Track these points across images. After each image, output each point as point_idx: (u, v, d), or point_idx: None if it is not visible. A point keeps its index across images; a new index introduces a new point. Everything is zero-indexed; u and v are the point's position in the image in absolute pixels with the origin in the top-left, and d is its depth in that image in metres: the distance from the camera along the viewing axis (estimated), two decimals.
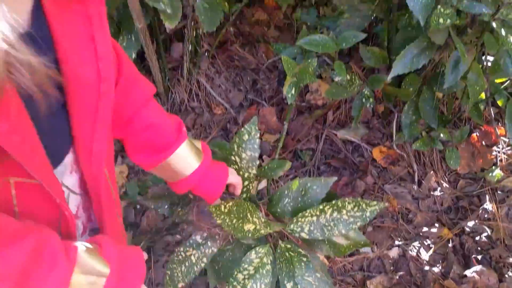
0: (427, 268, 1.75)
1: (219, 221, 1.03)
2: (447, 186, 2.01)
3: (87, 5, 0.63)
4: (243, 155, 1.18)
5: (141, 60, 2.07)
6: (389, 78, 1.47)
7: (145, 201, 1.31)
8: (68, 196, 0.76)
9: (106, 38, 0.66)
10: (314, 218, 1.14)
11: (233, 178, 1.10)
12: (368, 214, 1.12)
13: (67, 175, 0.74)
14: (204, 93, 2.19)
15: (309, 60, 1.52)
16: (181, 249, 1.21)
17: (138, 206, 1.89)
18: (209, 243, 1.20)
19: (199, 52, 2.13)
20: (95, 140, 0.68)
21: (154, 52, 1.95)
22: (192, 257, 1.20)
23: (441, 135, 1.79)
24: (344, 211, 1.14)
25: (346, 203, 1.14)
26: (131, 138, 0.91)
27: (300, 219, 1.15)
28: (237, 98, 2.20)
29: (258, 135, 1.17)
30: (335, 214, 1.13)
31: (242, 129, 1.19)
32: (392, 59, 1.89)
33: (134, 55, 1.83)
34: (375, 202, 1.14)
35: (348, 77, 1.76)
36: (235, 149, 1.19)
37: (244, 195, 1.20)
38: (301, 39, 1.59)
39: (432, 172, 2.01)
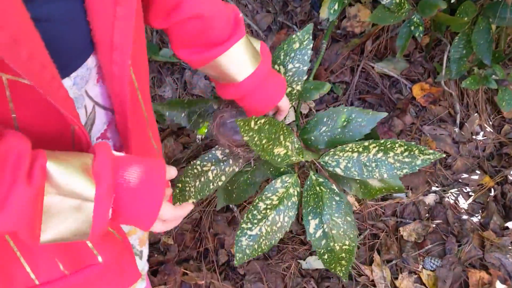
0: (465, 217, 1.62)
1: (246, 138, 0.88)
2: (491, 130, 1.84)
3: None
4: (290, 66, 1.00)
5: None
6: None
7: (160, 108, 1.14)
8: (93, 109, 0.61)
9: None
10: (355, 155, 0.98)
11: (284, 100, 0.91)
12: (419, 162, 0.96)
13: (92, 83, 0.58)
14: None
15: None
16: (198, 162, 1.06)
17: None
18: (230, 161, 1.05)
19: None
20: (116, 30, 0.51)
21: None
22: (210, 173, 1.05)
23: (496, 73, 1.60)
24: (391, 154, 0.98)
25: (397, 144, 0.98)
26: (176, 29, 0.73)
27: (338, 152, 1.00)
28: (265, 21, 1.98)
29: (311, 45, 0.99)
30: (380, 154, 0.98)
31: (294, 35, 1.01)
32: None
33: None
34: (431, 151, 0.98)
35: (397, 0, 1.54)
36: (281, 57, 1.00)
37: None
38: None
39: (476, 114, 1.83)
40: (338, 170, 1.00)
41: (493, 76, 1.62)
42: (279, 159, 0.95)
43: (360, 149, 0.99)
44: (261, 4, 2.02)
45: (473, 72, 1.66)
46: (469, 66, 1.76)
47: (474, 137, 1.82)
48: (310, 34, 1.00)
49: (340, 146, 1.00)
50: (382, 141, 0.98)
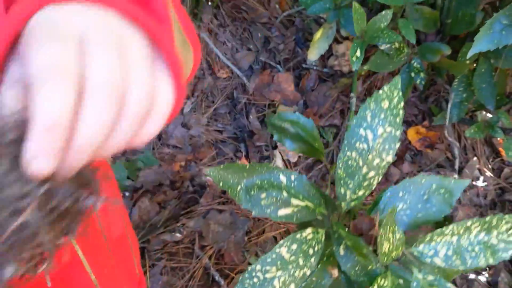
0: (472, 276, 1.49)
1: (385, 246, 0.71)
2: (491, 175, 1.72)
3: None
4: (380, 131, 0.78)
5: None
6: (469, 55, 1.12)
7: (213, 174, 0.83)
8: None
9: None
10: (455, 239, 0.78)
11: None
12: None
13: None
14: (206, 51, 1.80)
15: (383, 12, 1.16)
16: (258, 267, 0.77)
17: (127, 193, 1.54)
18: (300, 261, 0.78)
19: (202, 0, 1.72)
20: None
21: None
22: (276, 282, 0.77)
23: (502, 120, 1.48)
24: (495, 233, 0.78)
25: (503, 221, 0.78)
26: None
27: (436, 237, 0.78)
28: (246, 60, 1.82)
29: (402, 104, 0.78)
30: (482, 235, 0.78)
31: (381, 91, 0.79)
32: (446, 23, 1.54)
33: None
34: None
35: (397, 44, 1.40)
36: (368, 119, 0.78)
37: (363, 192, 0.80)
38: None
39: (475, 158, 1.71)
40: (437, 261, 0.77)
41: (498, 123, 1.50)
42: (385, 258, 0.74)
43: (461, 231, 0.78)
44: (241, 41, 1.85)
45: (476, 117, 1.54)
46: (469, 109, 1.65)
47: (474, 183, 1.70)
48: (399, 89, 0.79)
49: (438, 230, 0.79)
50: (487, 219, 0.79)
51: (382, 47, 1.36)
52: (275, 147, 1.68)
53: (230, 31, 1.85)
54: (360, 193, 0.79)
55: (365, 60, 1.71)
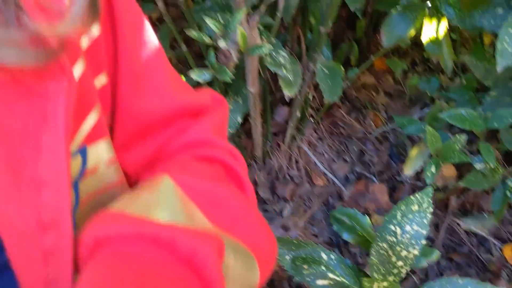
0: None
1: None
2: None
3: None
4: (407, 228, 0.94)
5: (242, 121, 1.90)
6: None
7: None
8: None
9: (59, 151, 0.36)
10: None
11: None
12: None
13: None
14: (305, 161, 1.98)
15: (457, 136, 1.28)
16: None
17: None
18: None
19: (306, 118, 1.93)
20: None
21: (259, 115, 1.78)
22: None
23: None
24: None
25: None
26: None
27: None
28: (341, 170, 1.97)
29: (431, 209, 0.94)
30: None
31: (412, 197, 0.96)
32: None
33: (240, 119, 1.66)
34: None
35: (491, 165, 1.49)
36: (398, 217, 0.95)
37: (392, 278, 0.94)
38: (445, 112, 1.37)
39: None
40: None
41: None
42: None
43: None
44: (338, 152, 2.02)
45: None
46: None
47: None
48: (430, 198, 0.94)
49: None
50: None
51: (477, 167, 1.46)
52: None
53: (328, 144, 2.04)
54: (391, 279, 0.92)
55: (460, 176, 1.80)
